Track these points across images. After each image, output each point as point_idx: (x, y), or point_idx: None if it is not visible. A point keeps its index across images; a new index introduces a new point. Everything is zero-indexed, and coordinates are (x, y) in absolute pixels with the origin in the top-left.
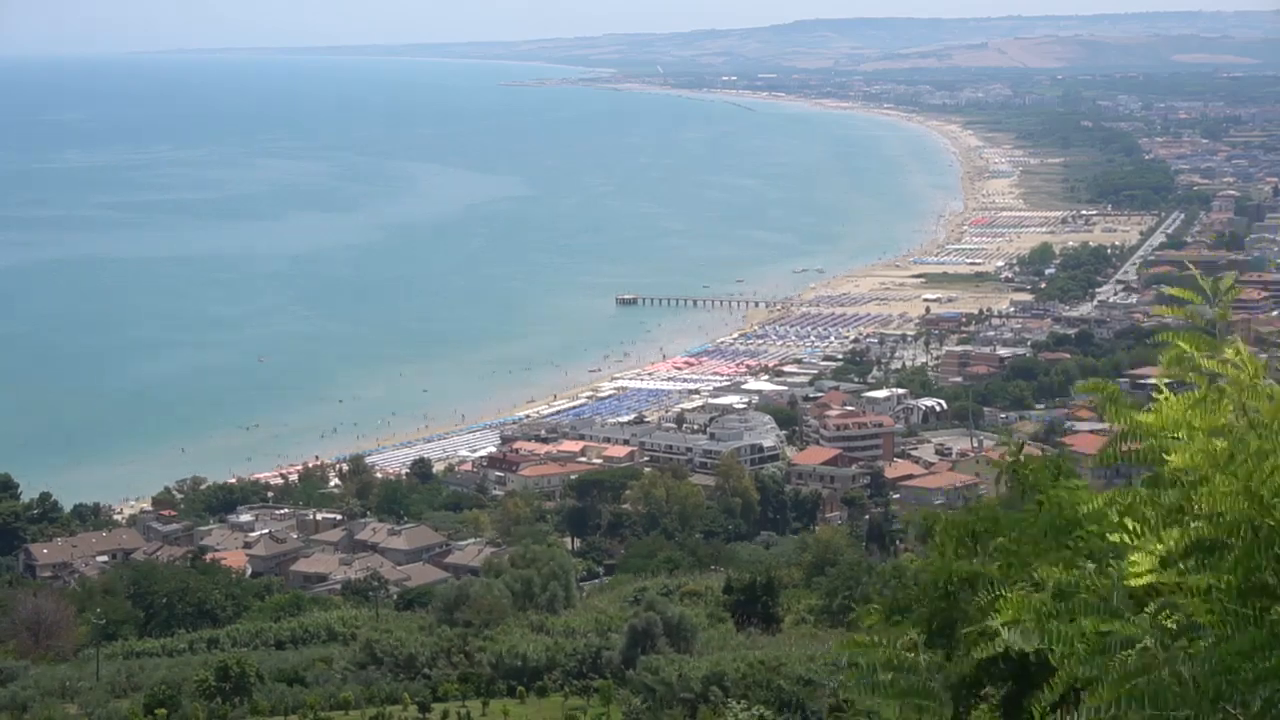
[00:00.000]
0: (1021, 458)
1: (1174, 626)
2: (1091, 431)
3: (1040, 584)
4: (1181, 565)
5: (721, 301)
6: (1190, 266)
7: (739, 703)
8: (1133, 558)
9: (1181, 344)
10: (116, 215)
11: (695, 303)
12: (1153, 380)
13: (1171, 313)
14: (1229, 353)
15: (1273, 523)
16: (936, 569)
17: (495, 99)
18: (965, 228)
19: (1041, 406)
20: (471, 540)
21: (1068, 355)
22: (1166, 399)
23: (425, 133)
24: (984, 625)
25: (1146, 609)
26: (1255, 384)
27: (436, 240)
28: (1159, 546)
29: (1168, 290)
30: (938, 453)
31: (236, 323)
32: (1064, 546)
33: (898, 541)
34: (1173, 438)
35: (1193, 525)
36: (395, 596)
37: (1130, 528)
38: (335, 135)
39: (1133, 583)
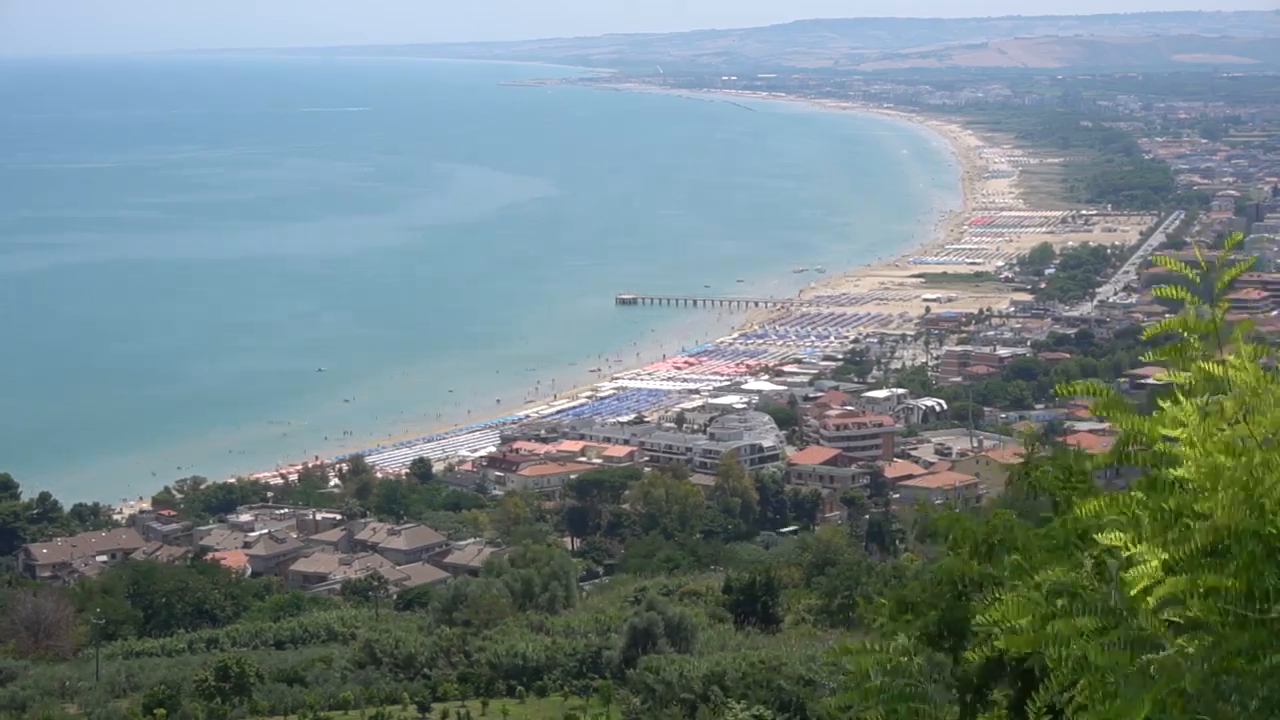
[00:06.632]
0: (1032, 460)
1: (1176, 622)
2: (1091, 431)
3: (1039, 585)
4: (1187, 568)
5: (721, 301)
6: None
7: (739, 703)
8: (1138, 554)
9: (1183, 330)
10: (149, 216)
11: (695, 303)
12: (1153, 379)
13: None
14: (1230, 356)
15: (1275, 530)
16: (952, 568)
17: (500, 99)
18: (965, 228)
19: (1041, 406)
20: (471, 540)
21: (1068, 355)
22: (1171, 404)
23: (444, 132)
24: (982, 626)
25: (1143, 607)
26: (1259, 389)
27: (469, 242)
28: (1161, 552)
29: (1159, 291)
30: (938, 453)
31: (266, 328)
32: (1074, 557)
33: (898, 541)
34: (1181, 446)
35: (1195, 528)
36: (395, 596)
37: (1129, 533)
38: (355, 134)
39: (1136, 588)
